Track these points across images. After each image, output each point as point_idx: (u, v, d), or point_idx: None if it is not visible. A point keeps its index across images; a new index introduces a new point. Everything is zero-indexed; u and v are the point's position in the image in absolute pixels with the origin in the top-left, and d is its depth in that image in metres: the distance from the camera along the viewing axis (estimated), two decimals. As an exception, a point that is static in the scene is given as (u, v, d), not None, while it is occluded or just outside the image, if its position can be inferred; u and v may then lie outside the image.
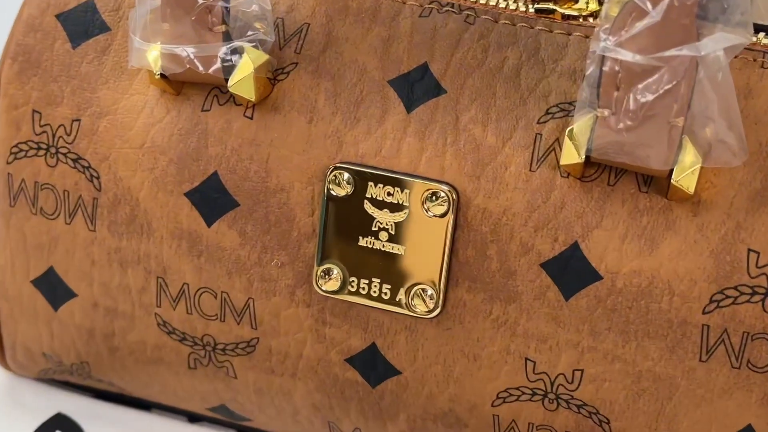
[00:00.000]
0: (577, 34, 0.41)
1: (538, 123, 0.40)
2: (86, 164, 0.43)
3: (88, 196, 0.43)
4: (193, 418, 0.48)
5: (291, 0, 0.44)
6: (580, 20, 0.42)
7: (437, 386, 0.42)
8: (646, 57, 0.36)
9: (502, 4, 0.43)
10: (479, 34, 0.41)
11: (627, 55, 0.36)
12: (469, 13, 0.42)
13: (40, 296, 0.45)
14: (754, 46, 0.40)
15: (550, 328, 0.40)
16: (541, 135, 0.40)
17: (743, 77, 0.39)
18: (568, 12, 0.41)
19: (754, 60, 0.40)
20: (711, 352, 0.38)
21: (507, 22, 0.42)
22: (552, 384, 0.41)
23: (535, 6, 0.42)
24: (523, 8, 0.42)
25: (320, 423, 0.45)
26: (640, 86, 0.36)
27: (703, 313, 0.38)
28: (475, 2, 0.43)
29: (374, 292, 0.41)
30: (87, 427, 0.47)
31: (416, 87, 0.41)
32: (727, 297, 0.38)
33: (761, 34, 0.41)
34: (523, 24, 0.42)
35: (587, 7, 0.41)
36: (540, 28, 0.41)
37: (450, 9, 0.42)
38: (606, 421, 0.40)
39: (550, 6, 0.42)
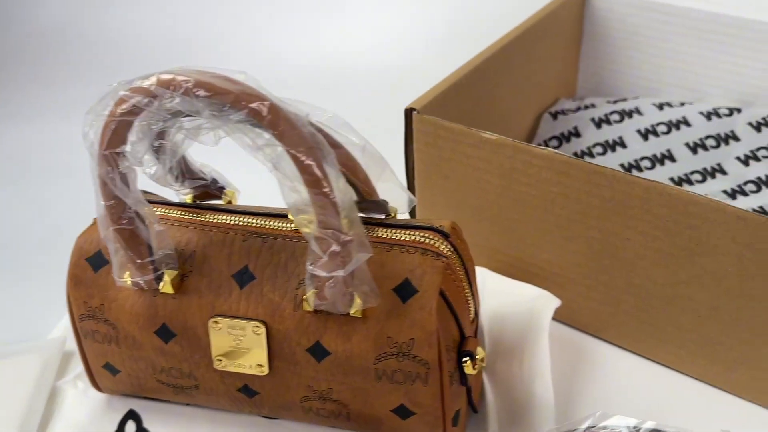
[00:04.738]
0: (309, 244, 0.40)
1: (296, 289, 0.40)
2: (111, 322, 0.43)
3: (114, 335, 0.43)
4: (187, 405, 0.48)
5: (186, 240, 0.42)
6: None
7: (276, 397, 0.43)
8: (326, 273, 0.37)
9: (280, 225, 0.42)
10: (269, 246, 0.41)
11: (319, 272, 0.37)
12: (264, 236, 0.41)
13: (107, 372, 0.46)
14: (383, 240, 0.40)
15: (314, 374, 0.41)
16: (297, 295, 0.40)
17: (378, 257, 0.39)
18: (305, 232, 0.40)
19: (383, 249, 0.40)
20: (380, 378, 0.40)
21: (281, 238, 0.41)
22: (321, 394, 0.42)
23: (293, 228, 0.41)
24: (288, 227, 0.42)
25: (236, 409, 0.45)
26: (327, 283, 0.37)
27: (374, 363, 0.39)
28: (268, 227, 0.42)
29: (241, 366, 0.41)
30: (143, 414, 0.48)
31: (244, 277, 0.41)
32: (382, 356, 0.39)
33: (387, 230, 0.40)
34: (288, 239, 0.41)
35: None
36: (295, 240, 0.41)
37: (255, 235, 0.41)
38: (346, 405, 0.42)
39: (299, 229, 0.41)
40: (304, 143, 0.34)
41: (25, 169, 0.80)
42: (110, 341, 0.44)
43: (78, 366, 0.53)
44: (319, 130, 0.37)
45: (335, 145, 0.38)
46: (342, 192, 0.35)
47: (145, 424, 0.48)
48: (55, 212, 0.73)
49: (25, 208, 0.74)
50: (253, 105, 0.33)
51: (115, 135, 0.36)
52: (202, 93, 0.33)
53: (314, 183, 0.34)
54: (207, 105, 0.33)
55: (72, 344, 0.54)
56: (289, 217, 0.42)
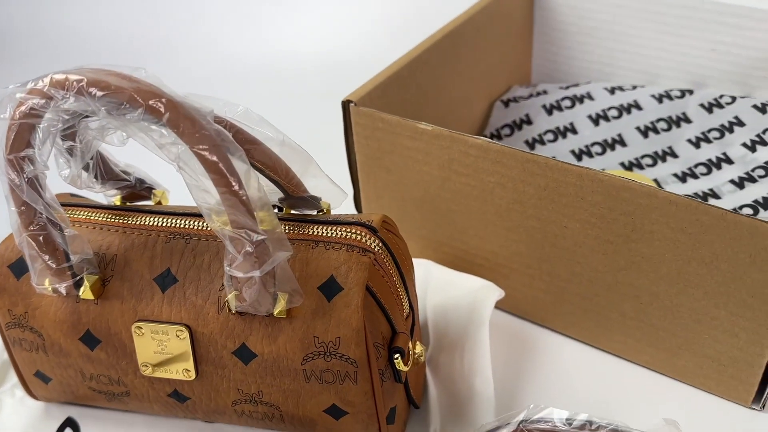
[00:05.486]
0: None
1: (219, 291, 0.39)
2: (36, 330, 0.41)
3: (41, 343, 0.42)
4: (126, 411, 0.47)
5: (108, 243, 0.41)
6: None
7: (207, 402, 0.41)
8: (242, 274, 0.35)
9: (203, 225, 0.40)
10: (192, 247, 0.40)
11: (236, 273, 0.35)
12: (187, 237, 0.40)
13: (39, 380, 0.44)
14: (309, 237, 0.39)
15: (243, 377, 0.40)
16: (220, 297, 0.39)
17: (303, 255, 0.38)
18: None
19: (308, 246, 0.38)
20: (309, 379, 0.38)
21: (204, 239, 0.40)
22: (251, 396, 0.40)
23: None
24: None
25: (171, 415, 0.44)
26: (246, 283, 0.36)
27: (301, 364, 0.38)
28: (191, 228, 0.40)
29: (168, 372, 0.40)
30: (81, 421, 0.47)
31: (166, 280, 0.39)
32: (309, 357, 0.38)
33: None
34: (212, 239, 0.40)
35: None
36: (219, 241, 0.40)
37: (178, 237, 0.40)
38: (278, 407, 0.40)
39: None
40: (207, 140, 0.32)
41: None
42: (37, 349, 0.43)
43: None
44: (232, 127, 0.36)
45: (251, 141, 0.37)
46: (255, 189, 0.34)
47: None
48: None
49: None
50: (150, 102, 0.32)
51: (17, 139, 0.34)
52: (96, 92, 0.31)
53: (221, 182, 0.33)
54: (104, 104, 0.32)
55: (11, 353, 0.53)
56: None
